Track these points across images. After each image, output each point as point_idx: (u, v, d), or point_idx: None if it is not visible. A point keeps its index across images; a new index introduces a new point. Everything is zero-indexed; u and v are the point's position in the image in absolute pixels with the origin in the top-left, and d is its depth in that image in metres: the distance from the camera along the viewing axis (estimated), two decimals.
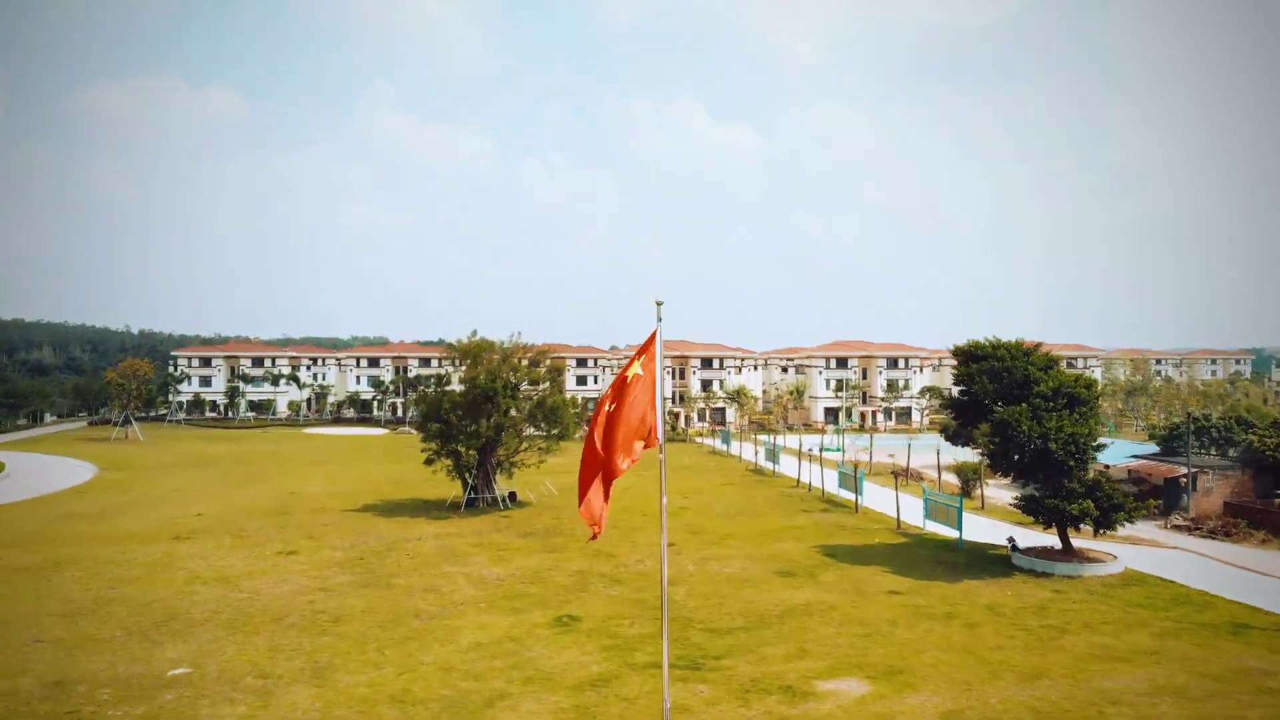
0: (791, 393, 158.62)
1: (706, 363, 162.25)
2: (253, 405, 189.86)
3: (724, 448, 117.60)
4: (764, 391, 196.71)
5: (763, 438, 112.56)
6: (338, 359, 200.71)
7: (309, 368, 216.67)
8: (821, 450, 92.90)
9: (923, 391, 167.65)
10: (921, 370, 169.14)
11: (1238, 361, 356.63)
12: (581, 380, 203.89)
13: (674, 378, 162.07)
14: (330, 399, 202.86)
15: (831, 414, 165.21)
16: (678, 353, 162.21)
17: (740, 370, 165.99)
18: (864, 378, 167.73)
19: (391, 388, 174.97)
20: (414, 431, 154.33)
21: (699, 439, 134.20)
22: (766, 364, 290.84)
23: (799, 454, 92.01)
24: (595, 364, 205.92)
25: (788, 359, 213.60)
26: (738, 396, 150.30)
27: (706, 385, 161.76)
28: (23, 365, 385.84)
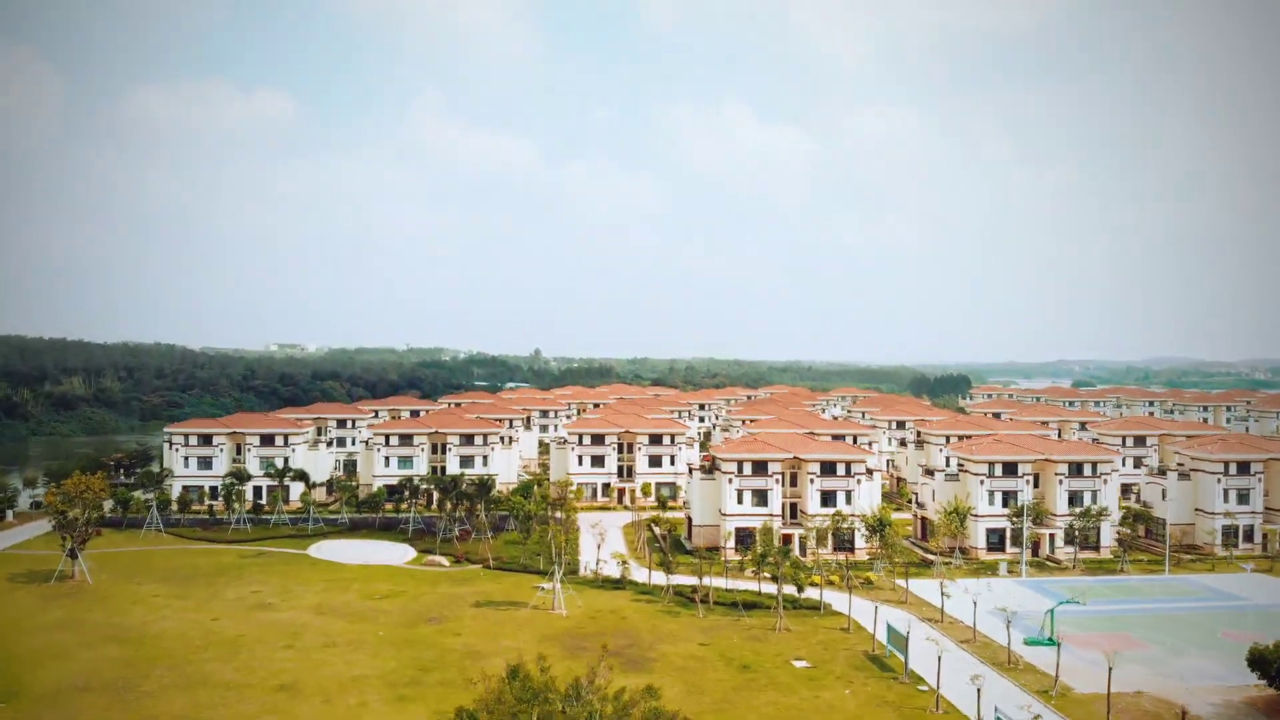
0: (951, 513, 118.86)
1: (828, 468, 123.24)
2: (259, 494, 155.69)
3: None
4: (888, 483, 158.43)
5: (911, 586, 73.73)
6: (366, 435, 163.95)
7: (327, 440, 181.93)
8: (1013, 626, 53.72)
9: (1126, 519, 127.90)
10: (1107, 481, 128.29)
11: (1229, 409, 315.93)
12: (655, 461, 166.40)
13: (784, 484, 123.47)
14: (357, 473, 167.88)
15: (995, 537, 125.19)
16: (786, 453, 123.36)
17: (870, 475, 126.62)
18: (1035, 485, 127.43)
19: (423, 486, 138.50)
20: (446, 563, 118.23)
21: (832, 589, 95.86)
22: (869, 420, 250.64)
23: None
24: (672, 441, 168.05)
25: (906, 428, 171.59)
26: (879, 527, 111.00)
27: (828, 499, 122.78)
28: (47, 400, 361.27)
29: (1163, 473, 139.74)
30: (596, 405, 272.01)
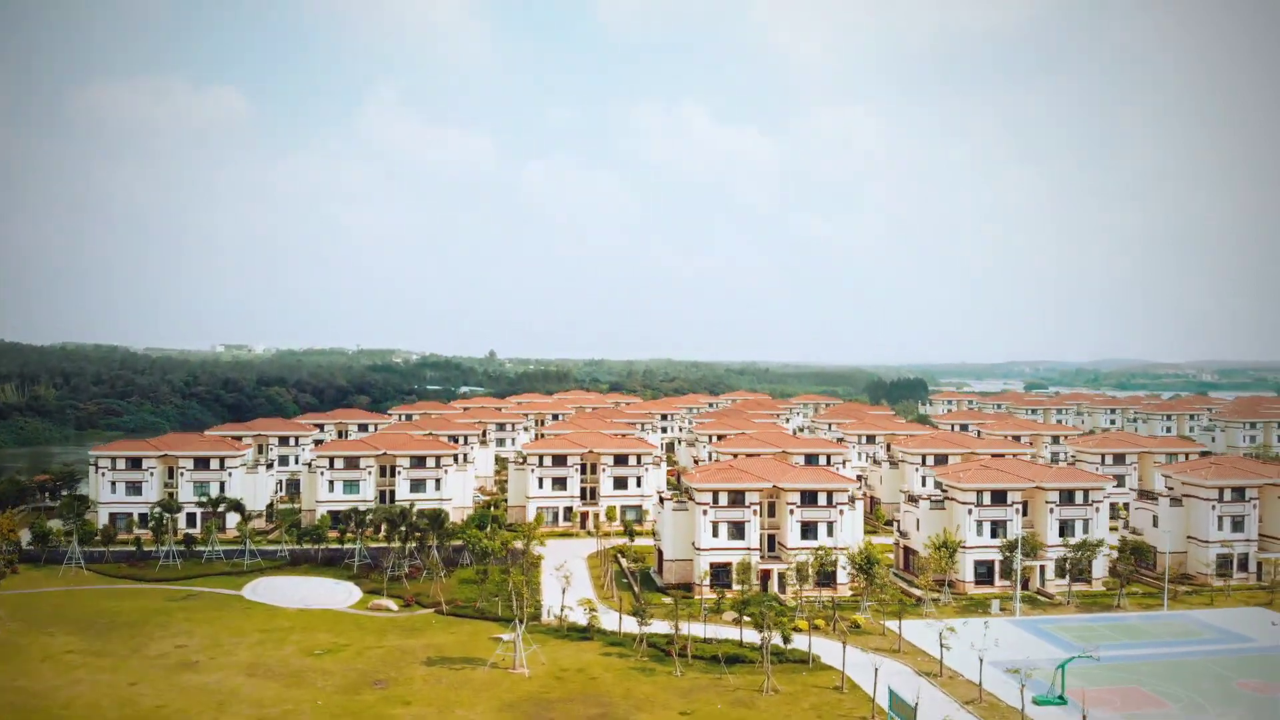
0: (940, 548, 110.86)
1: (808, 497, 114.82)
2: (193, 521, 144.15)
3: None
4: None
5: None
6: (309, 456, 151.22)
7: (267, 463, 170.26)
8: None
9: (1123, 552, 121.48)
10: (1099, 509, 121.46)
11: (1192, 417, 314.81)
12: (621, 483, 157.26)
13: (762, 515, 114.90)
14: (301, 495, 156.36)
15: (983, 569, 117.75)
16: (764, 482, 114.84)
17: (852, 503, 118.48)
18: (1024, 513, 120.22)
19: (369, 517, 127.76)
20: (395, 607, 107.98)
21: (819, 635, 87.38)
22: (836, 432, 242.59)
23: None
24: (638, 461, 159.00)
25: (876, 442, 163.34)
26: (867, 566, 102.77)
27: (809, 531, 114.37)
28: None
29: (1153, 497, 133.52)
30: (556, 417, 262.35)
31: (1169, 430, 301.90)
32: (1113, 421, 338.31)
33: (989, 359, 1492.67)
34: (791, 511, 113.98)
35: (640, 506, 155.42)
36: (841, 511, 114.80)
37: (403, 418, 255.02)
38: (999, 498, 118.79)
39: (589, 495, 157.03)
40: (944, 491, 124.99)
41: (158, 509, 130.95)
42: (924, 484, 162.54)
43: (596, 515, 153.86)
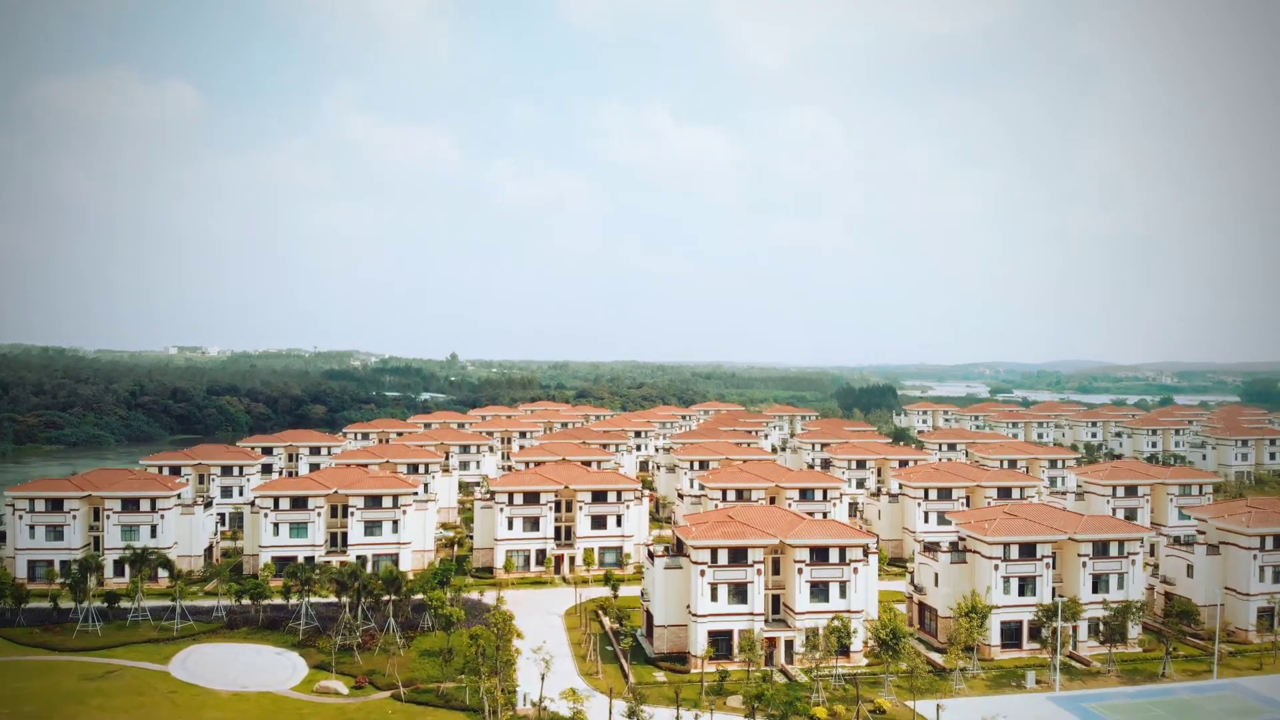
0: (969, 613, 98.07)
1: (820, 554, 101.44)
2: (120, 569, 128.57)
3: None
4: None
5: None
6: (254, 488, 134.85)
7: (206, 501, 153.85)
8: None
9: (1170, 614, 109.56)
10: (1135, 562, 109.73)
11: (1178, 432, 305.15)
12: (599, 522, 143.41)
13: (766, 574, 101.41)
14: (244, 540, 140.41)
15: (1011, 630, 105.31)
16: (770, 538, 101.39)
17: (867, 559, 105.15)
18: (1053, 566, 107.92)
19: (316, 578, 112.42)
20: (344, 689, 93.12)
21: None
22: (805, 443, 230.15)
23: None
24: (619, 498, 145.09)
25: (867, 467, 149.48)
26: (894, 641, 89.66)
27: (819, 591, 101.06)
28: None
29: (1187, 544, 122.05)
30: (524, 435, 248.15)
31: (1155, 445, 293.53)
32: (1094, 435, 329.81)
33: (947, 360, 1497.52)
34: (800, 571, 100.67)
35: (620, 549, 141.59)
36: (855, 570, 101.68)
37: (358, 437, 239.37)
38: (1028, 551, 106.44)
39: (564, 535, 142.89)
40: (963, 541, 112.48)
41: (76, 566, 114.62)
42: (926, 520, 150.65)
43: (573, 559, 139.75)
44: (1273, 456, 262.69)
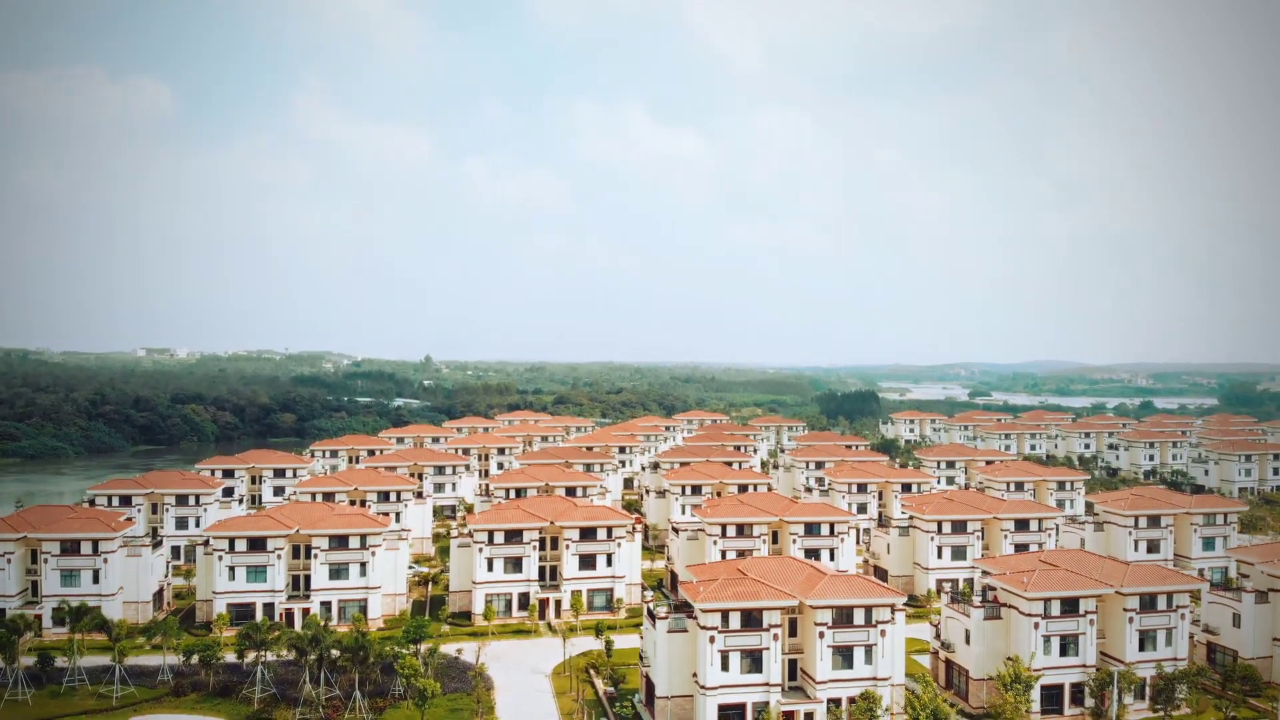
0: (1013, 683, 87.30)
1: (844, 616, 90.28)
2: (61, 619, 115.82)
3: None
4: None
5: None
6: (212, 521, 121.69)
7: (155, 541, 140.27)
8: None
9: (1230, 678, 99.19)
10: (1184, 617, 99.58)
11: (1175, 444, 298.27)
12: (588, 562, 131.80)
13: (783, 637, 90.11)
14: (198, 587, 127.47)
15: (1052, 695, 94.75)
16: (790, 599, 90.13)
17: (894, 618, 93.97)
18: (1093, 623, 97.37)
19: (273, 641, 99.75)
20: None
21: None
22: (793, 460, 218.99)
23: None
24: (609, 535, 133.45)
25: (868, 491, 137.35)
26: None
27: (844, 657, 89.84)
28: None
29: (1234, 591, 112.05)
30: (502, 451, 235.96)
31: (1152, 459, 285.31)
32: (1087, 446, 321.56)
33: (922, 360, 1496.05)
34: (821, 635, 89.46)
35: (611, 591, 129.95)
36: (883, 632, 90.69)
37: (326, 455, 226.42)
38: (1070, 606, 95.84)
39: (549, 576, 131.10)
40: (993, 592, 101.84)
41: (2, 628, 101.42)
42: (940, 555, 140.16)
43: (559, 603, 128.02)
44: (1276, 472, 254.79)
